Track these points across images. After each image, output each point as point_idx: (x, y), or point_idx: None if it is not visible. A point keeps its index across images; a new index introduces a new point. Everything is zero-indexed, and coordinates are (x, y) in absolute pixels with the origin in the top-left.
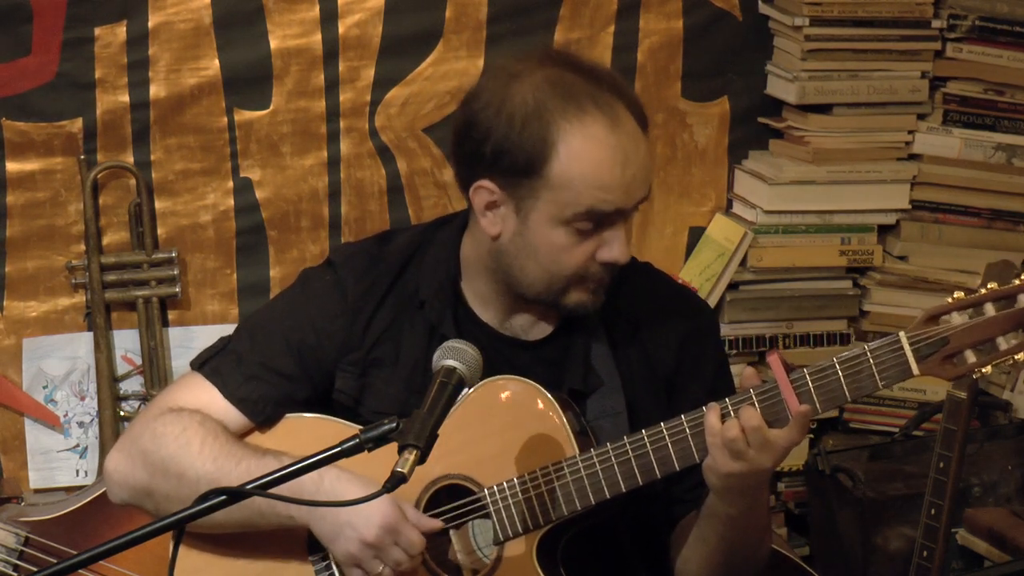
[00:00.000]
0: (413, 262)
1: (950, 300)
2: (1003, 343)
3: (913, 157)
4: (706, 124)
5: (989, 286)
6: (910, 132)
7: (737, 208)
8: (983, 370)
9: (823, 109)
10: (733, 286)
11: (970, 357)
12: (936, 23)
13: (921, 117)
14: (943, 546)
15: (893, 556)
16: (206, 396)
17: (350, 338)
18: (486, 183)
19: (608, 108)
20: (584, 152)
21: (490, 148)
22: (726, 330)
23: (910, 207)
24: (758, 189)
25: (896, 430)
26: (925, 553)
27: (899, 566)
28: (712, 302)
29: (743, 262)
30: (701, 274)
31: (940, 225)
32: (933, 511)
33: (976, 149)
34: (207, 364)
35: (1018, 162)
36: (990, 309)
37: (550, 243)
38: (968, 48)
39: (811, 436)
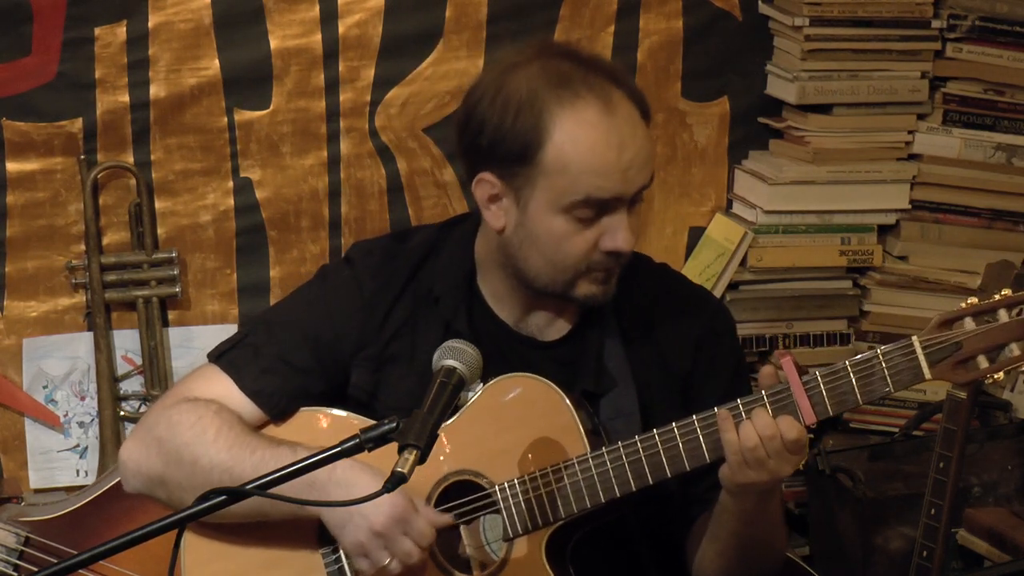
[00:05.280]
0: (430, 259)
1: (964, 305)
2: (1015, 349)
3: (913, 157)
4: (706, 124)
5: (1004, 292)
6: (910, 132)
7: (737, 208)
8: (995, 376)
9: (823, 109)
10: (733, 286)
11: (982, 363)
12: (936, 23)
13: (921, 117)
14: (943, 546)
15: (893, 556)
16: (222, 388)
17: (366, 333)
18: (486, 175)
19: (602, 93)
20: (577, 136)
21: (486, 139)
22: None
23: (910, 207)
24: (758, 189)
25: (896, 430)
26: (925, 553)
27: (899, 566)
28: None
29: (743, 262)
30: (701, 274)
31: (940, 225)
32: (933, 511)
33: (976, 149)
34: (224, 356)
35: (1018, 162)
36: (1003, 315)
37: (551, 232)
38: (968, 48)
39: (811, 436)
